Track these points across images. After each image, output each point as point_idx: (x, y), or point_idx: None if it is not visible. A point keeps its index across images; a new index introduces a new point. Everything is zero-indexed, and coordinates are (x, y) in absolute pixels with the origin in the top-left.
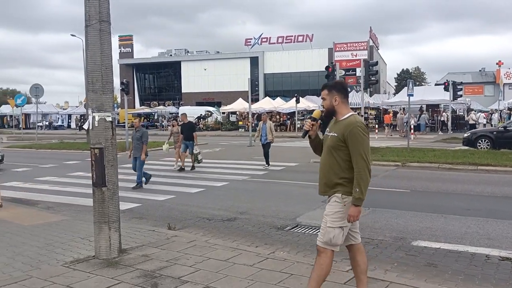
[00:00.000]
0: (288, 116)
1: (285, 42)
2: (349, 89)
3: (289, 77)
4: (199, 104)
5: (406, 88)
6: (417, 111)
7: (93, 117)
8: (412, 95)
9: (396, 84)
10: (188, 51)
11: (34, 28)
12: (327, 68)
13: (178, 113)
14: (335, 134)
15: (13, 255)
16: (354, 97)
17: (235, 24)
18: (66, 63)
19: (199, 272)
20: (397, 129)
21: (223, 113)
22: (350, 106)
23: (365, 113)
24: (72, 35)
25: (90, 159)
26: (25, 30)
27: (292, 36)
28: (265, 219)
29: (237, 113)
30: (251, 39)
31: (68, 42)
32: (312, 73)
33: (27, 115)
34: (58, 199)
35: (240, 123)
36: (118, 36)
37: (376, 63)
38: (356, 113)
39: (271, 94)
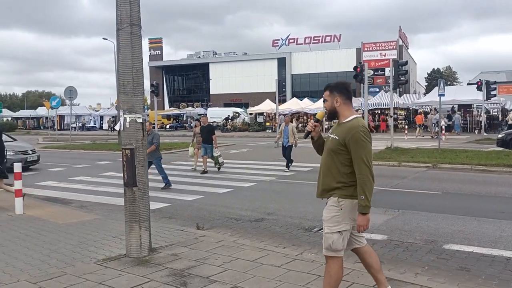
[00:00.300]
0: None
1: (313, 43)
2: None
3: (317, 78)
4: (226, 105)
5: (437, 88)
6: (447, 112)
7: (125, 119)
8: (443, 95)
9: (426, 84)
10: (216, 52)
11: (67, 32)
12: (355, 68)
13: (206, 114)
14: (336, 137)
15: (49, 253)
16: (383, 97)
17: (263, 25)
18: (98, 65)
19: (227, 272)
20: (428, 129)
21: (251, 114)
22: (380, 107)
23: (394, 113)
24: (104, 38)
25: (121, 159)
26: (59, 35)
27: (319, 36)
28: (292, 220)
29: (264, 114)
30: (279, 40)
31: (100, 45)
32: (340, 74)
33: (61, 117)
34: (91, 198)
35: (267, 124)
36: (148, 39)
37: (406, 63)
38: (360, 115)
39: (299, 94)
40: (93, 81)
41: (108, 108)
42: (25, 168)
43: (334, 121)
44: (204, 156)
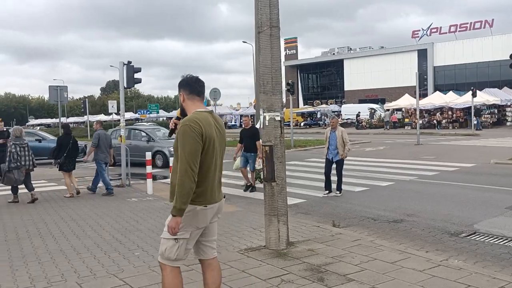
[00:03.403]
0: (467, 112)
1: (459, 31)
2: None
3: (463, 69)
4: (361, 101)
5: None
6: None
7: (264, 117)
8: None
9: None
10: (351, 48)
11: (209, 38)
12: None
13: (340, 111)
14: (175, 135)
15: None
16: None
17: (398, 17)
18: (236, 68)
19: (365, 272)
20: None
21: (387, 110)
22: None
23: None
24: (244, 41)
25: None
26: (202, 41)
27: (467, 23)
28: (435, 223)
29: (403, 109)
30: (419, 30)
31: (237, 48)
32: (492, 63)
33: None
34: (232, 191)
35: (406, 120)
36: (284, 39)
37: None
38: (206, 110)
39: (442, 88)
40: (232, 82)
41: (247, 108)
42: None
43: None
44: (243, 168)
